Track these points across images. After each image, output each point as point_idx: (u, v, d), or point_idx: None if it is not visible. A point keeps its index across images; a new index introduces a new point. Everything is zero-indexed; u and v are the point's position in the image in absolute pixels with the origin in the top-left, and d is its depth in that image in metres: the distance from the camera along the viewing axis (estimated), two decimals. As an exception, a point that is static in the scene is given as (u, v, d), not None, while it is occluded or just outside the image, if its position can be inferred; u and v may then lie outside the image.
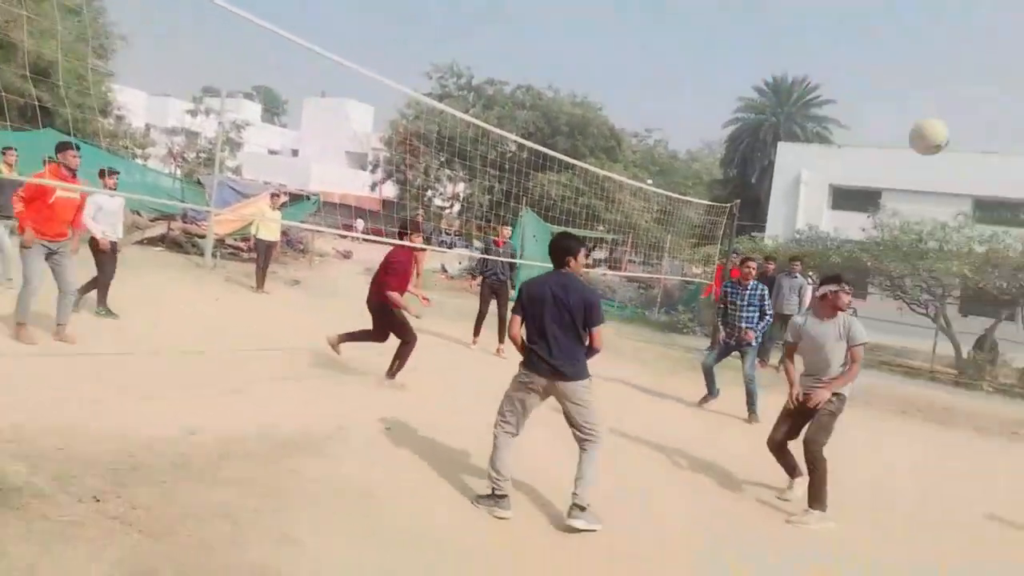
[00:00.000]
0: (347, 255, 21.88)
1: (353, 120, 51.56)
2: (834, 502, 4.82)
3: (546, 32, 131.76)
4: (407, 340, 6.92)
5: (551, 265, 4.48)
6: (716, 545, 4.37)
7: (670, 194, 18.13)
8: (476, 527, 4.10)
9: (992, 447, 8.27)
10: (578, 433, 4.29)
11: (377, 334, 7.08)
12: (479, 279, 10.22)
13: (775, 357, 11.73)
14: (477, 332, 10.00)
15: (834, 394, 4.95)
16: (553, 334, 4.22)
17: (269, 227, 12.37)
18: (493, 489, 4.25)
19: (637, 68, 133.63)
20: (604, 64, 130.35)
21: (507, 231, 10.30)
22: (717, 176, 39.21)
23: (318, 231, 17.72)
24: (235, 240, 16.46)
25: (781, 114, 35.39)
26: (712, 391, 8.27)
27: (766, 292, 8.01)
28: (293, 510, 3.83)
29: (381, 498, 4.21)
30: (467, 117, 11.78)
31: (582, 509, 4.11)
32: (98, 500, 3.52)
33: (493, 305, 9.91)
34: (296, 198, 20.19)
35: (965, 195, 17.99)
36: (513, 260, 10.65)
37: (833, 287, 5.04)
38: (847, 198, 20.23)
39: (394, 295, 6.85)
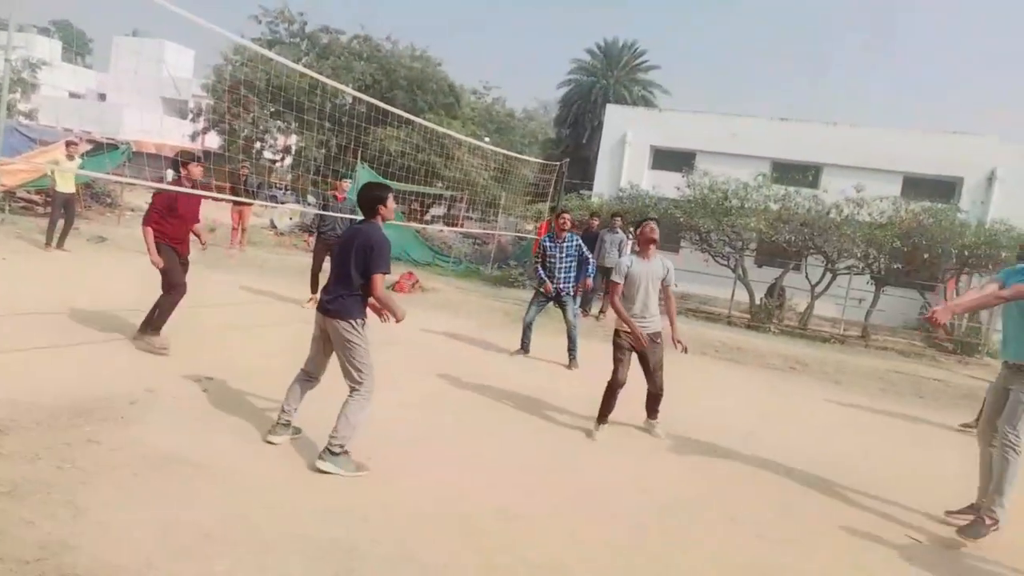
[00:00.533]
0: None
1: (170, 64, 47.18)
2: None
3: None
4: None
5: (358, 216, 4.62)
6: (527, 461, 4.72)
7: (507, 152, 18.47)
8: (294, 492, 4.08)
9: (776, 380, 9.47)
10: (345, 377, 4.39)
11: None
12: (314, 236, 9.86)
13: (596, 308, 12.54)
14: (314, 290, 9.66)
15: (658, 334, 5.82)
16: (333, 274, 4.46)
17: (65, 178, 11.21)
18: (278, 417, 4.61)
19: (477, 22, 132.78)
20: (444, 17, 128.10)
21: (346, 184, 9.96)
22: (551, 135, 40.27)
23: (129, 183, 16.29)
24: (28, 192, 14.75)
25: (611, 77, 36.83)
26: (526, 346, 8.69)
27: (580, 242, 8.51)
28: (91, 482, 3.62)
29: (191, 465, 4.05)
30: (299, 67, 11.21)
31: (333, 453, 4.22)
32: None
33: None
34: (100, 147, 18.32)
35: (765, 158, 19.88)
36: (353, 216, 10.40)
37: (648, 222, 5.88)
38: (666, 159, 21.63)
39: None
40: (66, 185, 11.31)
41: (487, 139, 28.00)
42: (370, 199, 4.46)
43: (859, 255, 14.09)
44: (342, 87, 11.22)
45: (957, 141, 18.93)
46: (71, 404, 4.62)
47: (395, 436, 5.00)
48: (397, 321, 4.55)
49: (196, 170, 6.54)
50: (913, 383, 10.26)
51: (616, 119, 22.62)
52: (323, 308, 4.43)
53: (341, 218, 9.45)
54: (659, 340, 5.90)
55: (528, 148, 31.76)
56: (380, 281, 4.34)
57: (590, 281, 8.83)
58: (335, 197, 9.78)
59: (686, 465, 5.43)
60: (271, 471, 4.18)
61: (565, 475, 4.87)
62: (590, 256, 8.62)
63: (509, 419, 6.00)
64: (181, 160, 6.55)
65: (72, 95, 45.83)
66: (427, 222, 22.81)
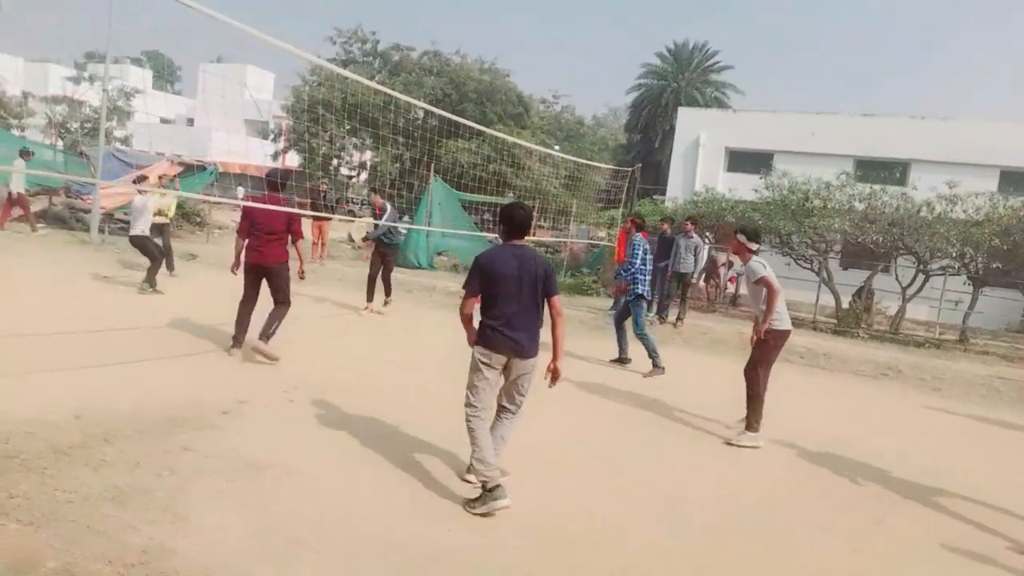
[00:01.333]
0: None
1: (252, 87, 49.38)
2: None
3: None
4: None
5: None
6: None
7: (577, 159, 18.42)
8: (390, 506, 4.11)
9: (867, 387, 9.01)
10: (511, 403, 4.29)
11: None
12: (371, 244, 10.45)
13: (673, 315, 12.28)
14: (370, 298, 10.12)
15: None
16: (516, 307, 4.09)
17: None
18: (484, 484, 3.96)
19: (544, 33, 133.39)
20: (511, 29, 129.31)
21: (378, 200, 10.36)
22: (622, 141, 39.97)
23: (217, 202, 17.06)
24: (125, 214, 15.64)
25: (682, 80, 36.28)
26: (623, 353, 8.56)
27: (638, 245, 8.34)
28: (188, 489, 3.76)
29: (281, 472, 4.15)
30: (373, 84, 11.50)
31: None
32: (-29, 491, 3.37)
33: None
34: (191, 169, 19.28)
35: (847, 156, 19.13)
36: (397, 225, 10.75)
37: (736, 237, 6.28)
38: (741, 160, 21.11)
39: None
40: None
41: (557, 147, 27.97)
42: (523, 219, 4.26)
43: (954, 254, 13.32)
44: (414, 102, 11.46)
45: (1059, 130, 17.70)
46: (167, 414, 4.83)
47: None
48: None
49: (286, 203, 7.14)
50: (1020, 389, 9.58)
51: (688, 122, 22.25)
52: (520, 350, 4.11)
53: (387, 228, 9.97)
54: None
55: (599, 155, 31.56)
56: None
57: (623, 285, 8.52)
58: (376, 211, 10.23)
59: (777, 474, 5.22)
60: (359, 478, 4.25)
61: (652, 481, 4.76)
62: (640, 263, 8.26)
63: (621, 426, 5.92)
64: (269, 178, 7.06)
65: (163, 120, 48.50)
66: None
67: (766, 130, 20.62)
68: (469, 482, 4.24)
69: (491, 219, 24.90)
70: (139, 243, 9.87)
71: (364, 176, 32.35)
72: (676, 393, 7.32)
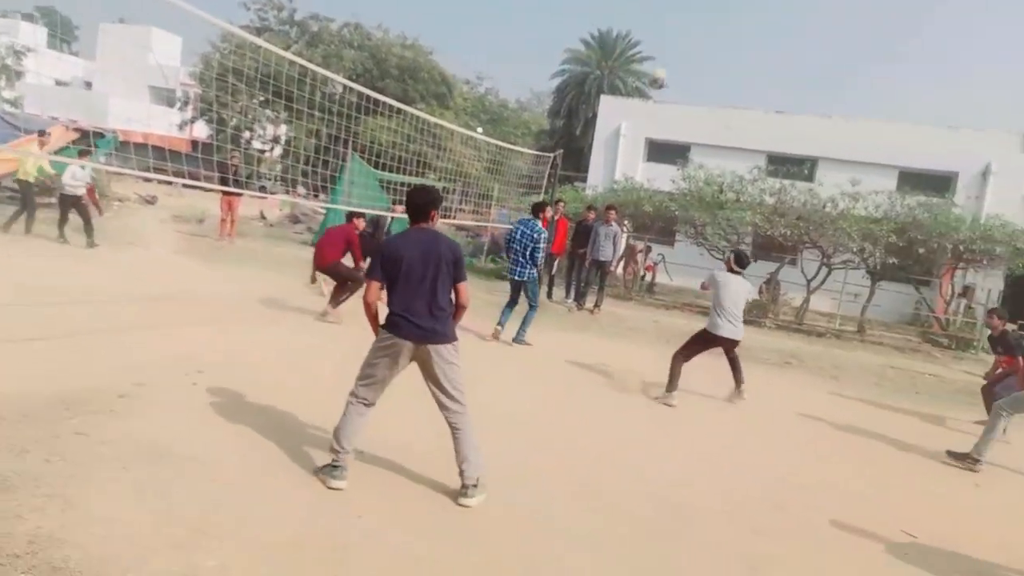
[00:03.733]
0: (151, 200, 19.91)
1: (157, 52, 46.57)
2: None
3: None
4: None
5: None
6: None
7: (500, 143, 18.28)
8: (297, 493, 3.94)
9: (770, 375, 9.41)
10: (447, 405, 3.98)
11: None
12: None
13: (590, 302, 12.41)
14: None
15: None
16: (419, 291, 3.89)
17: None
18: (333, 460, 3.93)
19: (469, 13, 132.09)
20: (435, 6, 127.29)
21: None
22: (544, 126, 40.10)
23: (118, 172, 16.03)
24: (12, 182, 14.48)
25: (605, 68, 36.67)
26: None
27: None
28: (80, 476, 3.51)
29: (182, 459, 3.92)
30: (288, 55, 11.00)
31: (476, 486, 3.91)
32: None
33: None
34: (87, 135, 18.01)
35: (760, 151, 19.82)
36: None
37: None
38: (660, 151, 21.53)
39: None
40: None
41: (480, 130, 27.80)
42: (426, 202, 4.06)
43: (855, 249, 14.04)
44: (332, 75, 11.06)
45: (952, 135, 18.93)
46: (58, 397, 4.48)
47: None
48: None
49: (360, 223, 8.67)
50: (909, 378, 10.23)
51: (610, 110, 22.50)
52: (426, 335, 3.88)
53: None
54: None
55: (522, 139, 31.63)
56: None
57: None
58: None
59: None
60: (263, 466, 4.06)
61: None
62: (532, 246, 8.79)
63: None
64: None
65: (58, 83, 45.24)
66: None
67: (685, 122, 21.10)
68: (464, 506, 3.89)
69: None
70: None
71: (278, 151, 31.21)
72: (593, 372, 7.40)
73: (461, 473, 3.92)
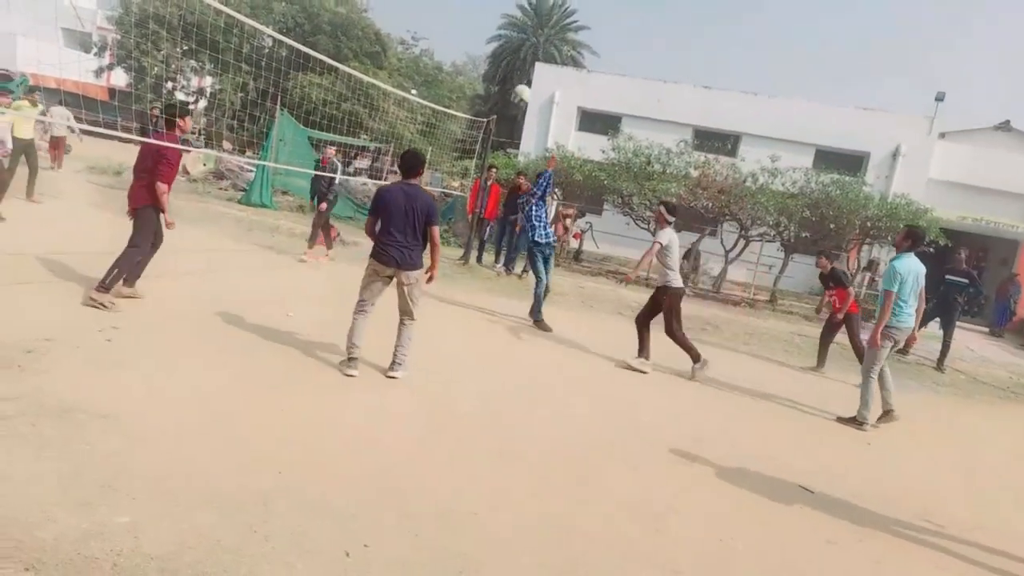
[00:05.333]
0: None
1: (72, -9, 43.64)
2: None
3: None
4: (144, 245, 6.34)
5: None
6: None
7: (434, 106, 18.11)
8: (215, 450, 4.01)
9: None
10: (406, 313, 5.53)
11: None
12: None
13: (519, 267, 12.62)
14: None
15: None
16: (404, 228, 5.32)
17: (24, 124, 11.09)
18: (349, 355, 5.38)
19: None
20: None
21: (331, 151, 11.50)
22: (479, 91, 39.81)
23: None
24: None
25: (541, 35, 36.55)
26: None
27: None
28: (-21, 433, 3.42)
29: (91, 416, 3.87)
30: (214, 3, 10.57)
31: (401, 364, 5.49)
32: None
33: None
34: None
35: (687, 124, 20.29)
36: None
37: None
38: (592, 121, 21.75)
39: (163, 189, 6.31)
40: (24, 131, 10.98)
41: (414, 91, 27.38)
42: (418, 161, 5.61)
43: (771, 223, 14.68)
44: (262, 28, 10.70)
45: (865, 116, 19.85)
46: (-41, 352, 4.34)
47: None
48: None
49: (187, 124, 6.67)
50: (813, 345, 10.85)
51: (545, 78, 22.53)
52: (402, 263, 5.33)
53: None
54: None
55: (456, 103, 31.27)
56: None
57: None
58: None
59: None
60: (178, 421, 4.06)
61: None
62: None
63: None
64: (166, 116, 6.52)
65: (-42, 20, 41.85)
66: (350, 174, 22.23)
67: (617, 93, 21.34)
68: (392, 377, 5.42)
69: (342, 160, 24.08)
70: None
71: (203, 103, 29.97)
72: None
73: (394, 354, 5.51)
